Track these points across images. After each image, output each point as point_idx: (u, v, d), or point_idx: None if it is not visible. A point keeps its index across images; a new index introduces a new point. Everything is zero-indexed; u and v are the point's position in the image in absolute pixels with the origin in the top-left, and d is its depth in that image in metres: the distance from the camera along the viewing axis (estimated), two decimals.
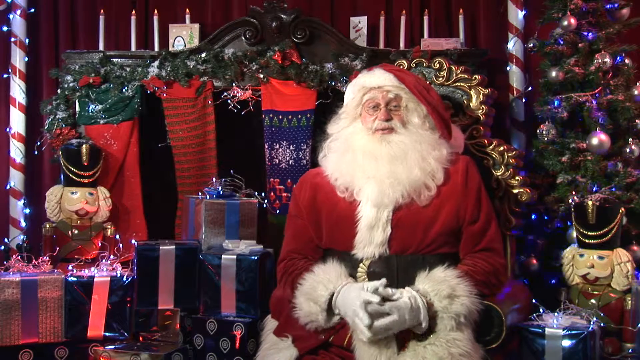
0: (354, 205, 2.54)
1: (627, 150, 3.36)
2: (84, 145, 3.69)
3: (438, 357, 2.32)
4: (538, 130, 3.49)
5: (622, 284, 3.09)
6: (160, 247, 3.21)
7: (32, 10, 4.19)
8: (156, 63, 3.91)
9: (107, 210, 3.74)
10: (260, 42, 3.91)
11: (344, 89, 2.78)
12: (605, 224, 3.11)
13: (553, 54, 3.53)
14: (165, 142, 3.97)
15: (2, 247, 3.86)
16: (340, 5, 4.19)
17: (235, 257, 3.14)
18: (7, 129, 4.14)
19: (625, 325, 3.03)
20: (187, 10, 4.10)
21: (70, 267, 3.25)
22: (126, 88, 3.91)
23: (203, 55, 3.90)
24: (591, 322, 2.70)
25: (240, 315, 3.10)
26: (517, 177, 3.11)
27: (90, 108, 3.92)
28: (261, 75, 3.86)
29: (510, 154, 3.12)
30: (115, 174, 3.92)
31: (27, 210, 4.12)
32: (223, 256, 3.15)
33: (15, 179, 4.11)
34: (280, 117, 3.87)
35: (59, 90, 4.00)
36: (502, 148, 3.14)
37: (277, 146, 3.87)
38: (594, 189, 3.30)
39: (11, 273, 3.10)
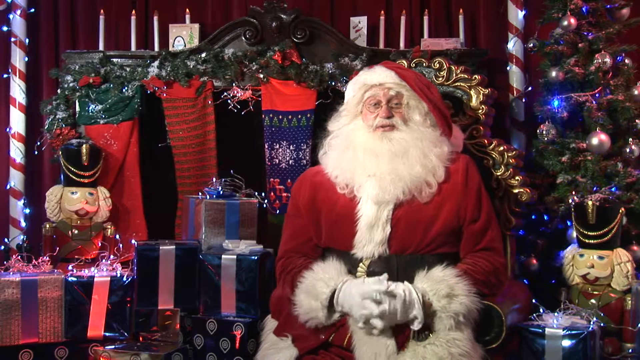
0: (353, 203, 2.53)
1: (627, 150, 3.36)
2: (84, 145, 3.69)
3: (438, 357, 2.32)
4: (538, 130, 3.49)
5: (622, 284, 3.09)
6: (160, 247, 3.21)
7: (32, 10, 4.18)
8: (156, 63, 3.91)
9: (107, 210, 3.74)
10: (260, 42, 3.91)
11: (344, 89, 2.78)
12: (605, 224, 3.11)
13: (553, 54, 3.53)
14: (165, 142, 3.97)
15: (2, 247, 3.86)
16: (340, 5, 4.19)
17: (235, 257, 3.14)
18: (7, 129, 4.14)
19: (625, 325, 3.03)
20: (187, 10, 4.10)
21: (70, 267, 3.25)
22: (126, 88, 3.91)
23: (203, 55, 3.90)
24: (591, 322, 2.71)
25: (240, 315, 3.10)
26: (517, 177, 3.11)
27: (90, 108, 3.92)
28: (261, 75, 3.86)
29: (510, 154, 3.12)
30: (115, 174, 3.92)
31: (27, 210, 4.12)
32: (223, 256, 3.15)
33: (15, 179, 4.11)
34: (280, 117, 3.87)
35: (59, 90, 4.00)
36: (502, 148, 3.14)
37: (277, 146, 3.87)
38: (594, 189, 3.30)
39: (11, 273, 3.10)
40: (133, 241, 3.43)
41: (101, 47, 4.03)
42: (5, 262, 3.21)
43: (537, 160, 3.53)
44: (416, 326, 2.36)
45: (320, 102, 3.79)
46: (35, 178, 4.22)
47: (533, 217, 3.49)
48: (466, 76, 3.22)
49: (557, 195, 3.40)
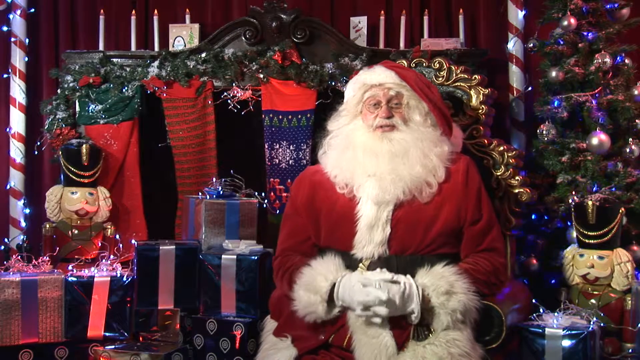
0: (353, 203, 2.53)
1: (627, 150, 3.36)
2: (84, 145, 3.69)
3: (438, 357, 2.32)
4: (538, 130, 3.49)
5: (622, 284, 3.09)
6: (160, 247, 3.21)
7: (32, 10, 4.19)
8: (156, 63, 3.91)
9: (107, 210, 3.74)
10: (260, 42, 3.91)
11: (344, 89, 2.77)
12: (605, 224, 3.11)
13: (553, 54, 3.53)
14: (165, 142, 3.97)
15: (2, 247, 3.86)
16: (340, 5, 4.19)
17: (235, 257, 3.14)
18: (7, 129, 4.14)
19: (625, 325, 3.03)
20: (187, 10, 4.10)
21: (70, 267, 3.25)
22: (126, 88, 3.91)
23: (203, 55, 3.90)
24: (591, 322, 2.70)
25: (240, 315, 3.10)
26: (517, 177, 3.11)
27: (90, 108, 3.92)
28: (261, 75, 3.86)
29: (510, 154, 3.12)
30: (115, 174, 3.92)
31: (27, 210, 4.12)
32: (223, 256, 3.15)
33: (15, 179, 4.11)
34: (280, 117, 3.87)
35: (59, 90, 4.00)
36: (502, 148, 3.14)
37: (277, 146, 3.87)
38: (594, 189, 3.30)
39: (11, 273, 3.10)
40: (133, 241, 3.43)
41: (101, 47, 4.03)
42: (5, 262, 3.21)
43: (537, 160, 3.53)
44: (413, 320, 2.36)
45: (320, 102, 3.79)
46: (35, 178, 4.22)
47: (533, 217, 3.49)
48: (466, 76, 3.22)
49: (557, 195, 3.40)
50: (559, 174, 3.42)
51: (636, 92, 3.38)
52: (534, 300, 2.85)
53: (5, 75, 4.16)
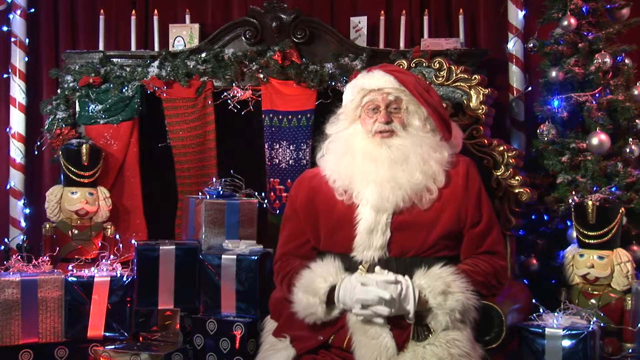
0: (352, 208, 2.51)
1: (627, 150, 3.36)
2: (84, 145, 3.69)
3: (437, 357, 2.32)
4: (538, 130, 3.49)
5: (622, 284, 3.09)
6: (160, 247, 3.21)
7: (32, 10, 4.19)
8: (156, 63, 3.91)
9: (107, 210, 3.74)
10: (260, 42, 3.91)
11: (344, 89, 2.76)
12: (605, 224, 3.11)
13: (553, 54, 3.53)
14: (165, 142, 3.97)
15: (2, 247, 3.86)
16: (340, 5, 4.19)
17: (235, 257, 3.14)
18: (7, 129, 4.14)
19: (625, 325, 3.03)
20: (187, 10, 4.10)
21: (70, 267, 3.25)
22: (126, 88, 3.91)
23: (203, 55, 3.90)
24: (591, 322, 2.70)
25: (240, 315, 3.10)
26: (517, 177, 3.11)
27: (90, 108, 3.92)
28: (261, 75, 3.86)
29: (510, 154, 3.12)
30: (115, 174, 3.93)
31: (27, 210, 4.12)
32: (223, 256, 3.15)
33: (15, 179, 4.11)
34: (280, 117, 3.87)
35: (59, 90, 4.00)
36: (502, 148, 3.14)
37: (277, 146, 3.87)
38: (594, 189, 3.30)
39: (11, 273, 3.10)
40: (133, 241, 3.43)
41: (101, 47, 4.03)
42: (5, 262, 3.21)
43: (537, 160, 3.53)
44: (409, 320, 2.35)
45: (320, 102, 3.79)
46: (35, 178, 4.22)
47: (533, 217, 3.49)
48: (466, 76, 3.22)
49: (557, 195, 3.40)
50: (559, 174, 3.42)
51: (636, 92, 3.38)
52: (534, 300, 2.85)
53: (5, 75, 4.16)
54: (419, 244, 2.48)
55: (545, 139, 3.46)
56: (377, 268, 2.42)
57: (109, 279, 3.15)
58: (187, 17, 4.09)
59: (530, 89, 3.92)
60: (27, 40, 4.15)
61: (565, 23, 3.41)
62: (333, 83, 3.81)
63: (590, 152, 3.36)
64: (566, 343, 2.62)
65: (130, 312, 3.17)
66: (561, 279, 3.26)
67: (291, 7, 3.94)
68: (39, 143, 4.02)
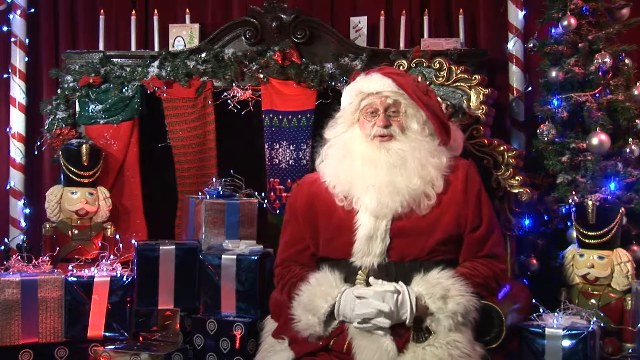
0: (352, 214, 2.51)
1: (627, 150, 3.35)
2: (84, 145, 3.69)
3: (438, 358, 2.31)
4: (538, 130, 3.49)
5: (622, 284, 3.09)
6: (160, 247, 3.21)
7: (32, 10, 4.18)
8: (156, 63, 3.91)
9: (107, 210, 3.74)
10: (260, 42, 3.91)
11: (343, 91, 2.75)
12: (605, 224, 3.11)
13: (553, 54, 3.53)
14: (165, 142, 3.97)
15: (2, 247, 3.86)
16: (340, 5, 4.19)
17: (235, 257, 3.14)
18: (7, 129, 4.14)
19: (625, 325, 3.03)
20: (187, 10, 4.10)
21: (70, 267, 3.25)
22: (126, 88, 3.91)
23: (203, 55, 3.90)
24: (591, 322, 2.70)
25: (240, 315, 3.10)
26: (517, 177, 3.11)
27: (90, 108, 3.92)
28: (261, 75, 3.86)
29: (510, 154, 3.12)
30: (115, 174, 3.93)
31: (27, 210, 4.12)
32: (223, 256, 3.15)
33: (15, 179, 4.11)
34: (280, 117, 3.87)
35: (59, 90, 4.00)
36: (502, 148, 3.14)
37: (277, 146, 3.87)
38: (594, 189, 3.29)
39: (11, 273, 3.10)
40: (133, 241, 3.43)
41: (101, 47, 4.03)
42: (5, 262, 3.21)
43: (537, 160, 3.53)
44: (407, 324, 2.35)
45: (320, 102, 3.79)
46: (35, 178, 4.22)
47: (533, 217, 3.49)
48: (466, 76, 3.22)
49: (557, 195, 3.40)
50: (559, 174, 3.42)
51: (636, 92, 3.37)
52: (534, 300, 2.85)
53: (5, 75, 4.16)
54: (418, 250, 2.47)
55: (545, 139, 3.45)
56: (371, 279, 2.41)
57: (109, 279, 3.15)
58: (187, 17, 4.09)
59: (530, 89, 3.92)
60: (27, 40, 4.15)
61: (565, 23, 3.41)
62: (333, 83, 3.81)
63: (590, 152, 3.36)
64: (566, 343, 2.62)
65: (130, 312, 3.17)
66: (561, 279, 3.26)
67: (291, 7, 3.94)
68: (39, 143, 4.02)
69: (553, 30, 3.54)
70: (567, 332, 2.63)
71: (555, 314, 2.73)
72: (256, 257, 3.12)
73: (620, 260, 3.08)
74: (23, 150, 4.11)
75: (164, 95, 3.91)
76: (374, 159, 2.50)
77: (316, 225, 2.59)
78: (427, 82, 3.16)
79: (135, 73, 3.91)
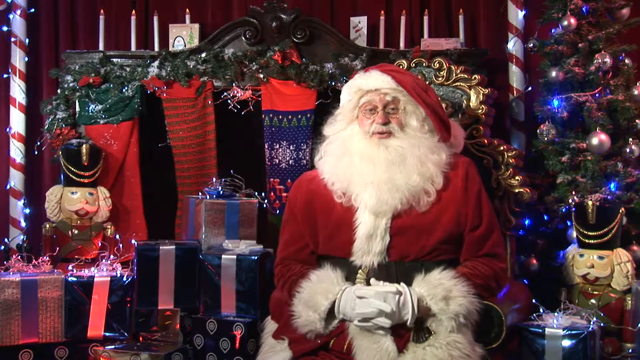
0: (351, 211, 2.50)
1: (627, 150, 3.36)
2: (84, 145, 3.69)
3: (438, 359, 2.31)
4: (538, 130, 3.49)
5: (622, 284, 3.09)
6: (160, 247, 3.21)
7: (32, 10, 4.19)
8: (156, 63, 3.91)
9: (107, 210, 3.74)
10: (260, 42, 3.91)
11: (343, 87, 2.74)
12: (605, 224, 3.11)
13: (553, 54, 3.53)
14: (165, 142, 3.97)
15: (2, 247, 3.86)
16: (340, 5, 4.19)
17: (235, 257, 3.14)
18: (7, 129, 4.14)
19: (625, 325, 3.03)
20: (187, 10, 4.10)
21: (70, 267, 3.25)
22: (126, 88, 3.91)
23: (203, 55, 3.90)
24: (591, 322, 2.71)
25: (240, 315, 3.10)
26: (517, 177, 3.11)
27: (90, 108, 3.92)
28: (261, 75, 3.86)
29: (510, 154, 3.12)
30: (115, 174, 3.93)
31: (27, 210, 4.12)
32: (223, 256, 3.15)
33: (15, 179, 4.11)
34: (280, 117, 3.87)
35: (59, 90, 4.00)
36: (502, 148, 3.14)
37: (277, 146, 3.87)
38: (594, 189, 3.29)
39: (11, 273, 3.10)
40: (133, 241, 3.43)
41: (101, 47, 4.03)
42: (5, 262, 3.21)
43: (537, 160, 3.53)
44: (408, 325, 2.35)
45: (320, 102, 3.79)
46: (35, 178, 4.22)
47: (533, 217, 3.49)
48: (466, 76, 3.22)
49: (557, 195, 3.41)
50: (559, 174, 3.42)
51: (636, 92, 3.38)
52: (534, 300, 2.85)
53: (5, 75, 4.16)
54: (418, 249, 2.47)
55: (545, 139, 3.45)
56: (372, 280, 2.41)
57: (109, 279, 3.15)
58: (187, 17, 4.09)
59: (530, 89, 3.92)
60: (27, 40, 4.15)
61: (565, 23, 3.41)
62: (333, 83, 3.81)
63: (590, 152, 3.36)
64: (566, 343, 2.62)
65: (130, 312, 3.17)
66: (561, 279, 3.26)
67: (291, 7, 3.94)
68: (39, 143, 4.02)
69: (553, 30, 3.55)
70: (567, 332, 2.63)
71: (555, 314, 2.73)
72: (256, 257, 3.11)
73: (620, 260, 3.09)
74: (23, 150, 4.11)
75: (164, 95, 3.91)
76: (372, 156, 2.49)
77: (315, 222, 2.59)
78: (427, 82, 3.16)
79: (135, 73, 3.91)
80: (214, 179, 3.58)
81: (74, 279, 3.13)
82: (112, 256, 3.30)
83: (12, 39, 4.12)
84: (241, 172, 3.54)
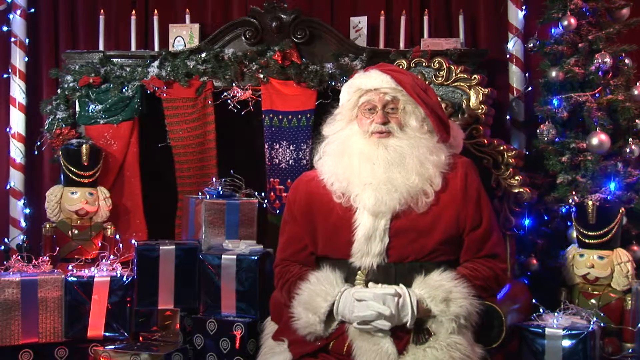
0: (350, 212, 2.50)
1: (627, 150, 3.36)
2: (84, 145, 3.69)
3: None
4: (538, 130, 3.49)
5: (622, 284, 3.09)
6: (160, 247, 3.21)
7: (32, 10, 4.18)
8: (156, 63, 3.91)
9: (107, 210, 3.75)
10: (260, 42, 3.91)
11: (343, 86, 2.74)
12: (605, 224, 3.11)
13: (553, 54, 3.53)
14: (165, 142, 3.97)
15: (2, 247, 3.86)
16: (340, 5, 4.19)
17: (235, 257, 3.13)
18: (7, 129, 4.14)
19: (625, 325, 3.03)
20: (187, 10, 4.10)
21: (70, 267, 3.25)
22: (126, 88, 3.91)
23: (203, 55, 3.90)
24: (591, 322, 2.71)
25: (240, 315, 3.10)
26: (517, 177, 3.11)
27: (90, 108, 3.92)
28: (261, 75, 3.86)
29: (510, 154, 3.13)
30: (115, 174, 3.93)
31: (27, 210, 4.12)
32: (223, 256, 3.15)
33: (15, 179, 4.11)
34: (280, 117, 3.87)
35: (59, 90, 4.00)
36: (501, 148, 3.14)
37: (277, 146, 3.87)
38: (594, 189, 3.29)
39: (11, 273, 3.10)
40: (133, 241, 3.43)
41: (101, 47, 4.03)
42: (5, 262, 3.21)
43: (537, 160, 3.53)
44: (408, 327, 2.35)
45: (320, 102, 3.79)
46: (35, 178, 4.22)
47: (533, 217, 3.49)
48: (466, 76, 3.22)
49: (557, 195, 3.41)
50: (559, 174, 3.42)
51: (636, 92, 3.37)
52: (534, 300, 2.85)
53: (5, 75, 4.16)
54: (417, 250, 2.46)
55: (545, 139, 3.45)
56: (371, 283, 2.41)
57: (109, 279, 3.15)
58: (187, 17, 4.09)
59: (530, 89, 3.92)
60: (27, 40, 4.15)
61: (565, 23, 3.41)
62: (333, 83, 3.81)
63: (590, 152, 3.36)
64: (566, 343, 2.62)
65: (130, 312, 3.17)
66: (561, 279, 3.26)
67: (291, 7, 3.94)
68: (39, 143, 4.02)
69: (553, 30, 3.55)
70: (567, 332, 2.63)
71: (555, 314, 2.74)
72: (256, 257, 3.11)
73: (620, 260, 3.09)
74: (23, 150, 4.11)
75: (164, 95, 3.91)
76: (371, 156, 2.48)
77: (314, 223, 2.58)
78: (427, 82, 3.16)
79: (135, 73, 3.91)
80: (214, 179, 3.58)
81: (74, 279, 3.13)
82: (112, 256, 3.30)
83: (12, 39, 4.12)
84: (241, 172, 3.54)
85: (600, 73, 3.38)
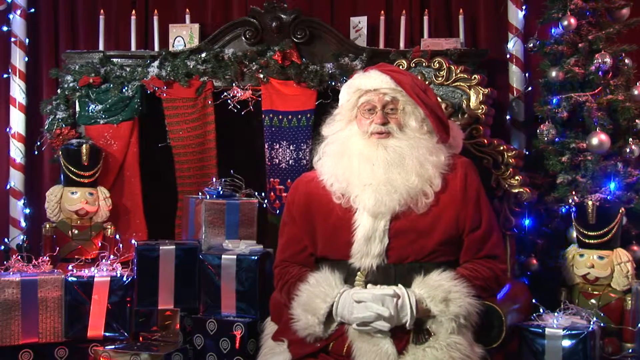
0: (350, 213, 2.49)
1: (627, 150, 3.36)
2: (84, 145, 3.69)
3: None
4: (538, 130, 3.49)
5: (622, 284, 3.09)
6: (160, 247, 3.21)
7: (32, 10, 4.19)
8: (156, 63, 3.91)
9: (107, 210, 3.75)
10: (260, 42, 3.91)
11: (342, 87, 2.74)
12: (605, 224, 3.11)
13: (553, 54, 3.53)
14: (165, 142, 3.97)
15: (2, 247, 3.86)
16: (340, 5, 4.19)
17: (235, 257, 3.14)
18: (7, 129, 4.14)
19: (625, 325, 3.03)
20: (187, 10, 4.10)
21: (70, 267, 3.25)
22: (126, 88, 3.91)
23: (203, 55, 3.90)
24: (591, 322, 2.71)
25: (240, 315, 3.10)
26: (517, 177, 3.11)
27: (90, 108, 3.93)
28: (261, 75, 3.86)
29: (510, 154, 3.13)
30: (115, 174, 3.93)
31: (27, 210, 4.12)
32: (223, 256, 3.15)
33: (15, 179, 4.11)
34: (280, 117, 3.87)
35: (59, 90, 4.00)
36: (501, 148, 3.14)
37: (277, 146, 3.87)
38: (594, 189, 3.29)
39: (11, 273, 3.11)
40: (133, 241, 3.43)
41: (101, 47, 4.04)
42: (5, 262, 3.21)
43: (537, 160, 3.53)
44: (407, 327, 2.35)
45: (320, 102, 3.79)
46: (35, 178, 4.23)
47: (533, 217, 3.49)
48: (466, 76, 3.22)
49: (557, 195, 3.40)
50: (559, 174, 3.42)
51: (636, 92, 3.37)
52: (534, 300, 2.85)
53: (5, 75, 4.16)
54: (417, 251, 2.46)
55: (545, 139, 3.45)
56: (369, 285, 2.41)
57: (109, 279, 3.15)
58: (187, 17, 4.09)
59: (530, 89, 3.92)
60: (27, 40, 4.15)
61: (565, 23, 3.41)
62: (333, 83, 3.81)
63: (590, 152, 3.36)
64: (566, 343, 2.62)
65: (130, 312, 3.17)
66: (561, 279, 3.26)
67: (291, 7, 3.94)
68: (39, 143, 4.02)
69: (553, 30, 3.55)
70: (567, 332, 2.63)
71: (555, 314, 2.74)
72: (256, 257, 3.11)
73: (620, 260, 3.09)
74: (23, 150, 4.11)
75: (164, 95, 3.92)
76: (371, 156, 2.48)
77: (314, 224, 2.58)
78: (427, 82, 3.16)
79: (135, 73, 3.91)
80: (214, 179, 3.58)
81: (74, 279, 3.13)
82: (112, 256, 3.30)
83: (12, 39, 4.12)
84: (241, 172, 3.54)
85: (600, 73, 3.37)
